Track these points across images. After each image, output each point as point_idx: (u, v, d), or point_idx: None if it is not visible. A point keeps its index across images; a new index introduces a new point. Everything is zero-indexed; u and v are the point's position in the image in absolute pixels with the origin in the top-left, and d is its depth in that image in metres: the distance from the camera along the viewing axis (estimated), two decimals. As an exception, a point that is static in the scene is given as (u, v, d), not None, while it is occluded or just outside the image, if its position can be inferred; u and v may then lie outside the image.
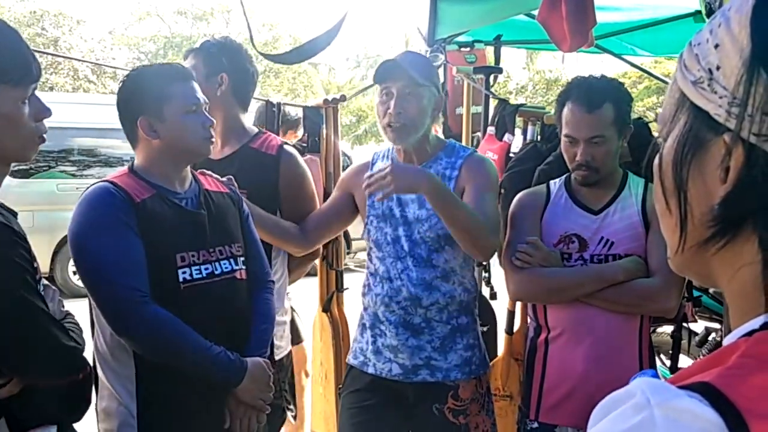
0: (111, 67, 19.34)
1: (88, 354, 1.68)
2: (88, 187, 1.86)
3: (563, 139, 2.14)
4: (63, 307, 1.66)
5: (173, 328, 1.77)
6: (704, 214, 0.61)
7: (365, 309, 2.32)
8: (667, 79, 4.93)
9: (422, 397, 2.19)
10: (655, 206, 0.69)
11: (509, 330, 2.77)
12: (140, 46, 27.00)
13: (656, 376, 0.83)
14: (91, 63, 23.76)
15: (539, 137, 2.84)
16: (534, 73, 27.37)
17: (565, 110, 2.12)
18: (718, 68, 0.59)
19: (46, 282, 1.61)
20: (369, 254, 2.32)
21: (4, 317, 1.40)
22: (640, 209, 2.13)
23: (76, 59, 22.90)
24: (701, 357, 3.42)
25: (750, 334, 0.57)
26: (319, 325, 2.99)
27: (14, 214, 1.59)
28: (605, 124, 2.07)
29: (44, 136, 1.59)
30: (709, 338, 3.51)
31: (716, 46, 0.59)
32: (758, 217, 0.58)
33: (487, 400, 2.28)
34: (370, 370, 2.26)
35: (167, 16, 27.72)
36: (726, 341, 0.60)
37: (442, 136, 2.68)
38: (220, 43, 2.48)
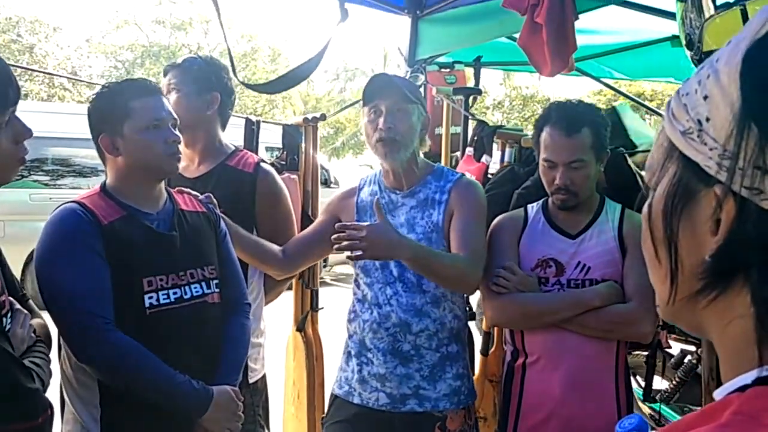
0: (78, 80, 19.14)
1: (55, 376, 1.63)
2: (57, 207, 1.83)
3: (542, 163, 2.15)
4: (34, 331, 1.61)
5: (135, 356, 1.73)
6: (695, 266, 0.61)
7: (350, 336, 2.27)
8: (639, 100, 5.00)
9: (409, 427, 2.14)
10: (644, 254, 0.68)
11: (485, 351, 2.77)
12: (117, 54, 26.81)
13: (643, 422, 0.82)
14: (65, 77, 23.51)
15: (516, 159, 2.85)
16: (510, 90, 27.65)
17: (544, 134, 2.13)
18: (707, 120, 0.58)
19: (18, 306, 1.57)
20: (356, 280, 2.28)
21: None
22: (617, 234, 2.14)
23: (47, 73, 22.63)
24: (676, 379, 3.45)
25: (742, 389, 0.56)
26: (292, 344, 2.95)
27: None
28: (584, 148, 2.08)
29: (25, 157, 1.54)
30: (685, 360, 3.52)
31: (705, 97, 0.59)
32: (750, 271, 0.57)
33: (475, 431, 2.25)
34: (356, 400, 2.21)
35: (145, 25, 27.56)
36: (717, 395, 0.59)
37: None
38: (208, 62, 2.48)
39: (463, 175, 2.30)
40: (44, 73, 22.82)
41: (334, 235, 1.94)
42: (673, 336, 3.17)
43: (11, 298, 1.55)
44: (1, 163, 1.49)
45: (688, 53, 1.94)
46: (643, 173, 2.42)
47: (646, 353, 3.00)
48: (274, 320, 2.65)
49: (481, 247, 2.13)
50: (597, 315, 2.06)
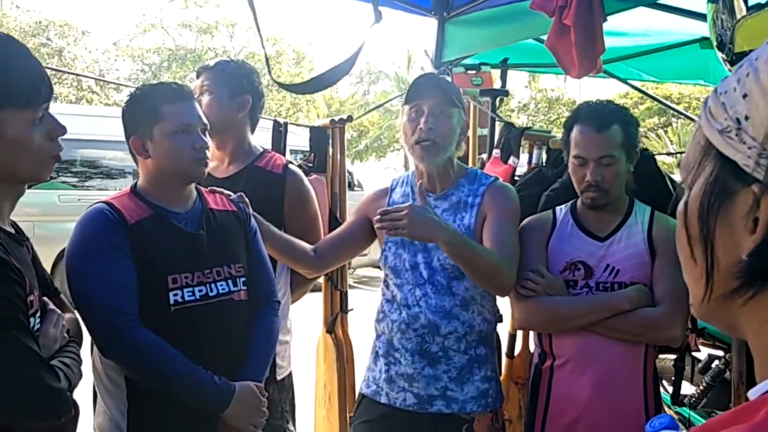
0: (106, 81, 19.40)
1: (86, 370, 1.66)
2: (88, 207, 1.88)
3: (572, 161, 2.14)
4: (67, 332, 1.64)
5: (158, 352, 1.77)
6: (731, 265, 0.60)
7: (378, 336, 2.26)
8: (667, 102, 4.95)
9: (436, 428, 2.13)
10: (679, 253, 0.68)
11: (510, 354, 2.76)
12: (144, 57, 27.09)
13: (673, 422, 0.82)
14: (93, 78, 23.83)
15: (545, 161, 2.84)
16: (536, 92, 27.51)
17: (574, 132, 2.13)
18: (746, 118, 0.58)
19: (51, 306, 1.59)
20: (386, 281, 2.27)
21: None
22: (646, 237, 2.12)
23: (76, 74, 22.97)
24: (704, 384, 3.41)
25: None
26: (323, 346, 2.96)
27: (20, 240, 1.57)
28: (614, 144, 2.07)
29: (60, 154, 1.57)
30: (713, 365, 3.49)
31: (744, 96, 0.59)
32: None
33: None
34: (383, 400, 2.20)
35: (172, 29, 27.80)
36: (752, 394, 0.59)
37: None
38: (240, 65, 2.52)
39: (496, 178, 2.28)
40: (73, 74, 23.12)
41: (376, 217, 1.96)
42: (701, 340, 3.14)
43: (45, 299, 1.58)
44: (36, 160, 1.51)
45: (719, 55, 1.93)
46: (672, 176, 2.41)
47: (673, 357, 2.97)
48: (302, 321, 2.67)
49: (516, 249, 2.12)
50: (626, 318, 2.04)
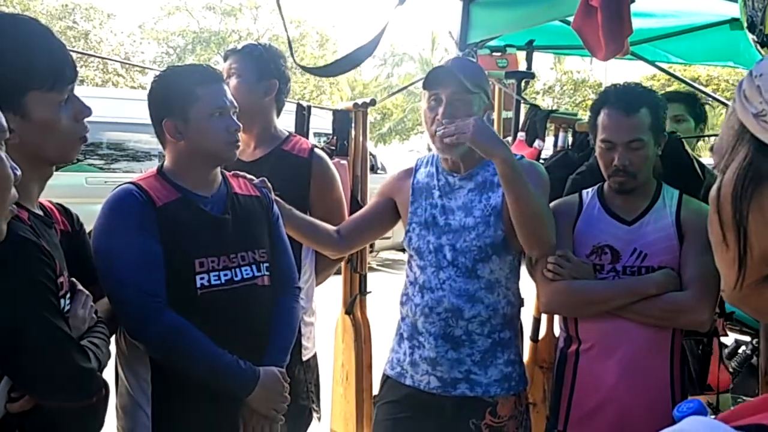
0: (133, 65, 19.54)
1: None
2: (115, 188, 1.87)
3: (599, 145, 2.11)
4: (96, 312, 1.65)
5: (185, 335, 1.77)
6: (765, 250, 0.59)
7: (403, 319, 2.27)
8: (695, 84, 4.86)
9: (460, 411, 2.14)
10: (710, 238, 0.67)
11: (534, 338, 2.75)
12: (169, 40, 27.24)
13: (702, 407, 0.81)
14: (119, 61, 24.00)
15: (570, 144, 2.81)
16: (561, 74, 27.26)
17: (602, 116, 2.10)
18: None
19: (80, 287, 1.60)
20: (409, 262, 2.27)
21: (22, 337, 1.38)
22: (674, 220, 2.09)
23: (102, 57, 23.15)
24: (731, 369, 3.38)
25: None
26: (341, 327, 2.99)
27: (50, 222, 1.58)
28: (643, 127, 2.05)
29: (86, 135, 1.58)
30: (739, 351, 3.47)
31: None
32: None
33: (525, 417, 2.23)
34: (408, 382, 2.21)
35: (196, 11, 27.92)
36: None
37: None
38: (267, 49, 2.52)
39: (522, 156, 2.26)
40: (98, 57, 23.30)
41: (440, 126, 1.99)
42: (729, 325, 3.10)
43: (74, 279, 1.59)
44: (63, 141, 1.52)
45: (749, 36, 1.88)
46: (702, 159, 2.37)
47: (697, 340, 2.94)
48: (323, 303, 2.68)
49: (551, 215, 2.10)
50: (654, 303, 2.02)
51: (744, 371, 3.44)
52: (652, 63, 3.86)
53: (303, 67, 3.07)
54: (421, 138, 28.70)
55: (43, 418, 1.44)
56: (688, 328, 2.13)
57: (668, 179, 2.22)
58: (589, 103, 2.20)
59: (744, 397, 3.36)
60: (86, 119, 1.57)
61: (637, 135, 2.04)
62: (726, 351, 3.51)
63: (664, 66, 4.29)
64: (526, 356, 2.69)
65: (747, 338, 3.45)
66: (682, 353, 2.16)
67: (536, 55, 3.67)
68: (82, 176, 8.01)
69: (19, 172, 1.23)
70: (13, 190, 1.23)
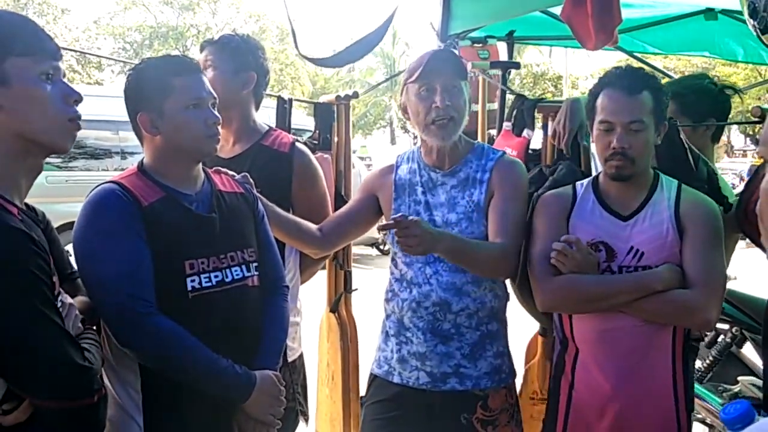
0: (93, 55, 19.21)
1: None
2: (94, 188, 1.78)
3: (597, 128, 2.02)
4: (80, 323, 1.56)
5: (178, 340, 1.69)
6: None
7: (388, 316, 2.25)
8: (670, 74, 4.89)
9: (450, 406, 2.13)
10: (761, 230, 0.64)
11: (544, 332, 2.70)
12: (125, 36, 26.79)
13: (750, 409, 0.77)
14: (76, 51, 23.49)
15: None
16: (522, 68, 27.49)
17: (601, 97, 2.02)
18: None
19: (70, 300, 1.53)
20: (394, 259, 2.25)
21: (17, 331, 1.31)
22: (673, 214, 2.00)
23: (64, 48, 22.72)
24: (710, 358, 3.41)
25: None
26: (326, 325, 2.94)
27: (40, 221, 1.52)
28: (645, 110, 1.97)
29: (78, 121, 1.50)
30: (719, 339, 3.49)
31: None
32: None
33: (516, 410, 2.22)
34: (396, 380, 2.19)
35: (153, 6, 27.49)
36: None
37: None
38: (245, 40, 2.46)
39: (504, 153, 2.26)
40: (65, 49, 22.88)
41: (397, 239, 1.94)
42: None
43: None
44: (50, 118, 1.45)
45: (750, 23, 1.87)
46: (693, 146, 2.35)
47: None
48: (307, 301, 2.63)
49: (520, 232, 2.10)
50: (659, 300, 1.93)
51: (723, 359, 3.47)
52: (630, 53, 3.87)
53: (307, 58, 3.03)
54: (383, 132, 28.69)
55: (40, 428, 1.36)
56: (696, 329, 2.08)
57: (662, 168, 2.15)
58: (549, 96, 2.16)
59: (725, 386, 3.39)
60: (77, 100, 1.51)
61: (639, 116, 1.95)
62: (706, 340, 3.53)
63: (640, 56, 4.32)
64: (536, 351, 2.69)
65: (726, 326, 3.47)
66: (684, 350, 2.06)
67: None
68: (42, 175, 7.78)
69: None
70: None
